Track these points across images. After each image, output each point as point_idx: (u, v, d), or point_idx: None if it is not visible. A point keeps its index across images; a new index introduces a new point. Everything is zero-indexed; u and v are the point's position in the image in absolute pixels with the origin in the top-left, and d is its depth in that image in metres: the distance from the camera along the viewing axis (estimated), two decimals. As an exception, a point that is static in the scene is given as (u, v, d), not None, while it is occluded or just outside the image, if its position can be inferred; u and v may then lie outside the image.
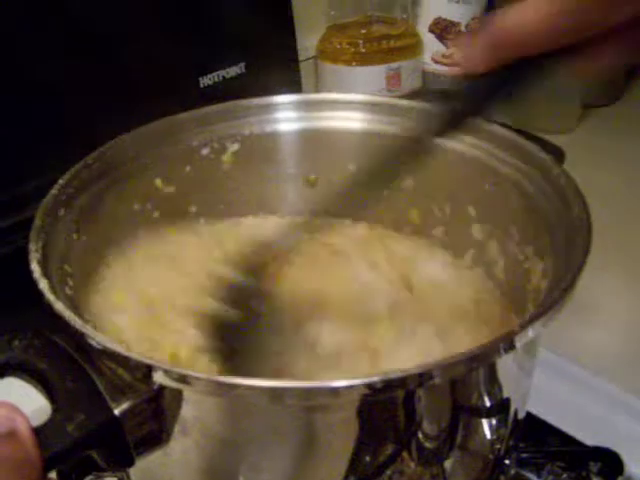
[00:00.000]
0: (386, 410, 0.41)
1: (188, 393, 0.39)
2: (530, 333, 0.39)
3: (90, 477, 0.63)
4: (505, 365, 0.45)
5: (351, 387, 0.35)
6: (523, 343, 0.39)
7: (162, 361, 0.37)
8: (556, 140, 0.86)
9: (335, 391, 0.35)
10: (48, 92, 0.70)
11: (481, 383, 0.44)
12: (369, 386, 0.35)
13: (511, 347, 0.39)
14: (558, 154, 0.53)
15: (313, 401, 0.37)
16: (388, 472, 0.44)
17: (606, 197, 0.54)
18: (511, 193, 0.54)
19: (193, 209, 0.64)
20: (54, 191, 0.50)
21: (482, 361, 0.38)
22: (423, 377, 0.36)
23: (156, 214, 0.61)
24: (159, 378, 0.37)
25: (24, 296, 0.41)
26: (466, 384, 0.43)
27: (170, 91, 0.76)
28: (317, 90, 1.05)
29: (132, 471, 0.49)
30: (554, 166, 0.51)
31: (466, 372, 0.39)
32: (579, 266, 0.42)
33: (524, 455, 0.62)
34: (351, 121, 0.62)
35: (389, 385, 0.36)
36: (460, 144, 0.58)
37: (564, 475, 0.61)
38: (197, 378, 0.36)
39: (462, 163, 0.58)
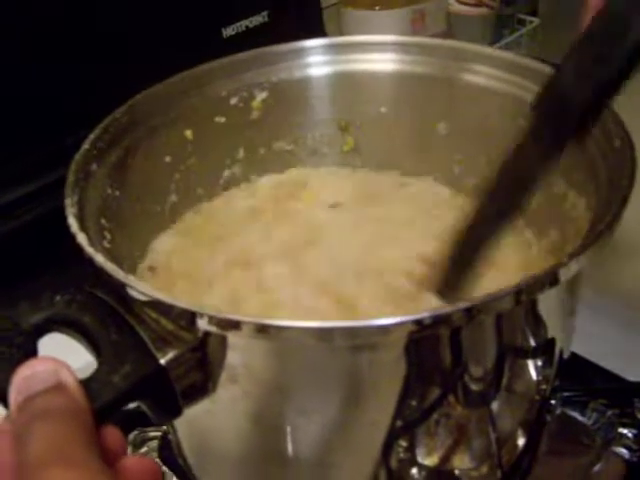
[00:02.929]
0: (433, 350, 0.40)
1: (233, 339, 0.39)
2: (575, 267, 0.38)
3: (135, 432, 0.64)
4: (550, 303, 0.44)
5: (399, 324, 0.35)
6: (568, 278, 0.38)
7: (206, 307, 0.37)
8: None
9: (384, 329, 0.35)
10: (77, 50, 0.70)
11: (526, 322, 0.44)
12: (417, 322, 0.35)
13: (556, 281, 0.38)
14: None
15: (362, 340, 0.37)
16: (435, 415, 0.44)
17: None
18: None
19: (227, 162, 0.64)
20: (85, 146, 0.50)
21: (527, 295, 0.37)
22: (471, 312, 0.35)
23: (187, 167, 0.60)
24: (203, 325, 0.37)
25: (65, 254, 0.41)
26: (511, 323, 0.43)
27: (193, 44, 0.76)
28: (341, 37, 1.03)
29: (178, 422, 0.49)
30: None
31: (512, 307, 0.38)
32: (624, 197, 0.41)
33: (568, 394, 0.62)
34: (382, 63, 0.61)
35: (438, 321, 0.35)
36: (492, 80, 0.57)
37: (609, 412, 0.61)
38: (242, 322, 0.35)
39: (494, 99, 0.57)
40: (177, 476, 0.60)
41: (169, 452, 0.60)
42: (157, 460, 0.61)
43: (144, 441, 0.64)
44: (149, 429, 0.64)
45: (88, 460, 0.32)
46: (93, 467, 0.32)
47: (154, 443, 0.63)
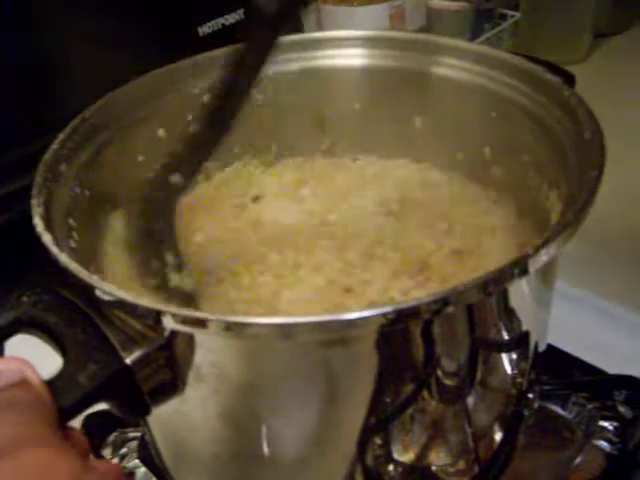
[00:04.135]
0: (405, 345, 0.40)
1: (200, 337, 0.38)
2: (544, 257, 0.38)
3: (115, 433, 0.64)
4: (522, 295, 0.44)
5: (364, 318, 0.34)
6: (538, 267, 0.38)
7: (170, 305, 0.36)
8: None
9: (349, 323, 0.34)
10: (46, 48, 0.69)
11: (499, 315, 0.43)
12: (384, 316, 0.34)
13: (525, 271, 0.37)
14: (568, 78, 0.52)
15: (326, 335, 0.36)
16: (410, 411, 0.44)
17: (618, 128, 0.52)
18: (521, 119, 0.53)
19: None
20: (54, 146, 0.50)
21: (496, 285, 0.37)
22: (438, 304, 0.35)
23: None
24: (169, 323, 0.36)
25: (35, 258, 0.41)
26: (483, 315, 0.43)
27: (169, 42, 0.75)
28: (320, 34, 1.03)
29: (152, 423, 0.49)
30: (564, 88, 0.50)
31: (481, 298, 0.38)
32: (593, 188, 0.41)
33: (548, 388, 0.61)
34: (352, 58, 0.61)
35: (404, 314, 0.35)
36: (465, 73, 0.56)
37: (589, 406, 0.60)
38: (207, 320, 0.35)
39: (468, 93, 0.57)
40: (156, 476, 0.60)
41: (149, 452, 0.59)
42: (136, 461, 0.61)
43: (124, 442, 0.63)
44: (129, 430, 0.64)
45: (55, 440, 0.33)
46: (61, 446, 0.33)
47: (134, 444, 0.63)
